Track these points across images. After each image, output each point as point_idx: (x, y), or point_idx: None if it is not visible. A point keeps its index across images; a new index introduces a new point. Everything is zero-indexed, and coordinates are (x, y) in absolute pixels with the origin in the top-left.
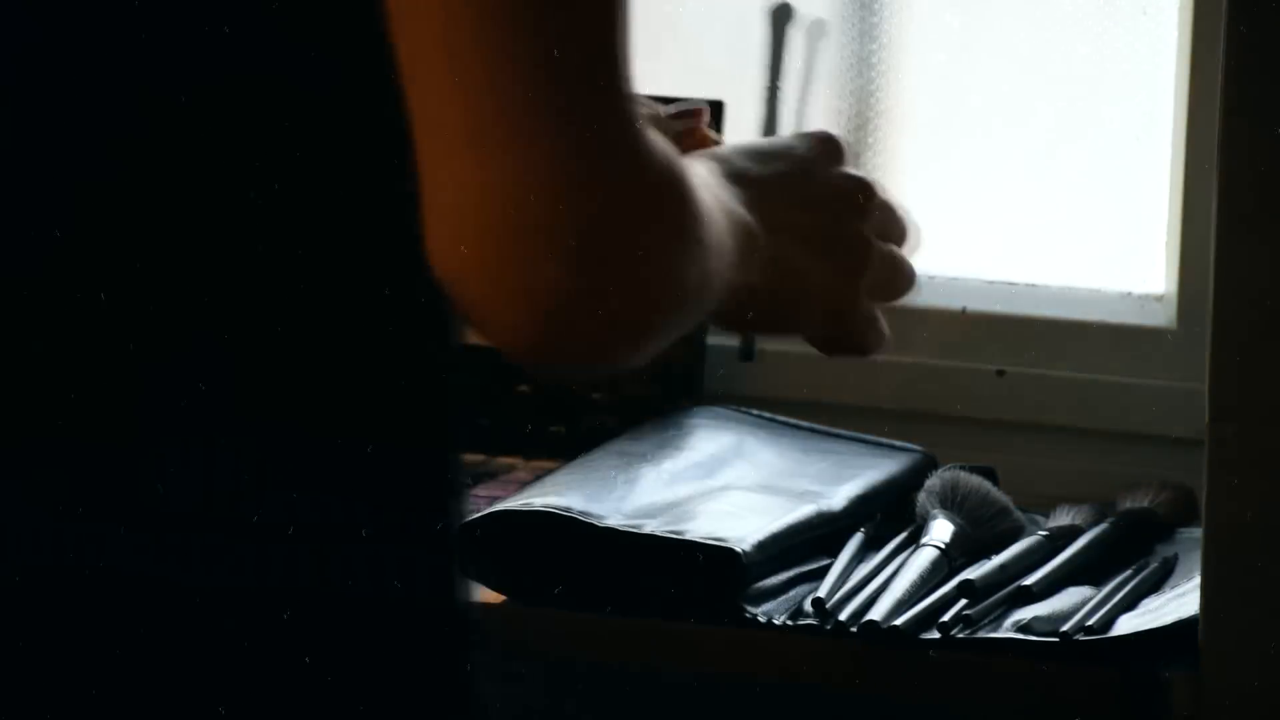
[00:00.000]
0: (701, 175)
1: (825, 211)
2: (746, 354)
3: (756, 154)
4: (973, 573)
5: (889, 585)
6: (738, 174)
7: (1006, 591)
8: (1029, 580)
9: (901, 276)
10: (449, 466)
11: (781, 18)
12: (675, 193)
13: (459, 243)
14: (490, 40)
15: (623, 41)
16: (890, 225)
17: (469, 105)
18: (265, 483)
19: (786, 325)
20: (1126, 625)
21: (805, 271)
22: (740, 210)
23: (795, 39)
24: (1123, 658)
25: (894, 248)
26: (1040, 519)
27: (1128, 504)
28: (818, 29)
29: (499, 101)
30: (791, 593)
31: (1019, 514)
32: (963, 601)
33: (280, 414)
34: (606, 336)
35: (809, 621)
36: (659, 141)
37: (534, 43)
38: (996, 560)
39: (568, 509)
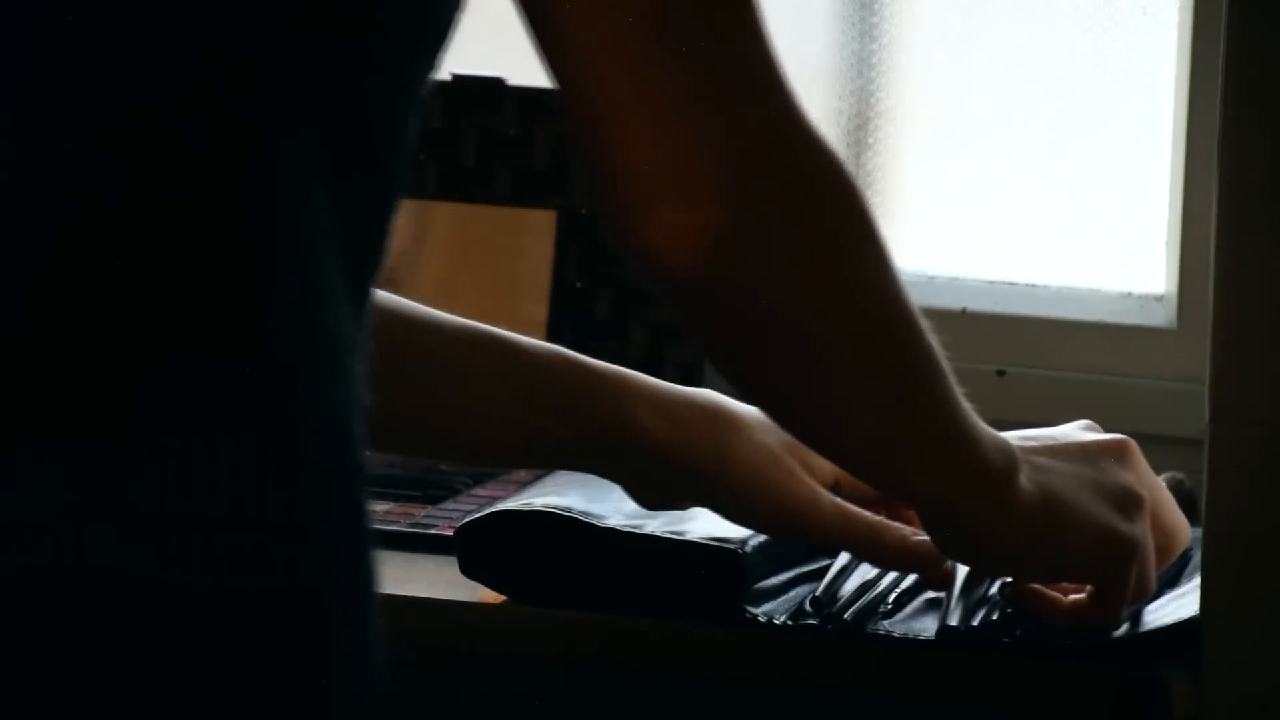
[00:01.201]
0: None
1: (1092, 463)
2: None
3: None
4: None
5: (889, 585)
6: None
7: None
8: None
9: (1176, 535)
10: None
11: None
12: (829, 161)
13: (640, 207)
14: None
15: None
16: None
17: (648, 88)
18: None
19: (1056, 558)
20: (1126, 625)
21: (1078, 505)
22: (998, 435)
23: None
24: (1123, 658)
25: (1168, 506)
26: None
27: None
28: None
29: (677, 79)
30: (791, 593)
31: None
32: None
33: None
34: (762, 269)
35: (809, 621)
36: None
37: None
38: None
39: (568, 509)
